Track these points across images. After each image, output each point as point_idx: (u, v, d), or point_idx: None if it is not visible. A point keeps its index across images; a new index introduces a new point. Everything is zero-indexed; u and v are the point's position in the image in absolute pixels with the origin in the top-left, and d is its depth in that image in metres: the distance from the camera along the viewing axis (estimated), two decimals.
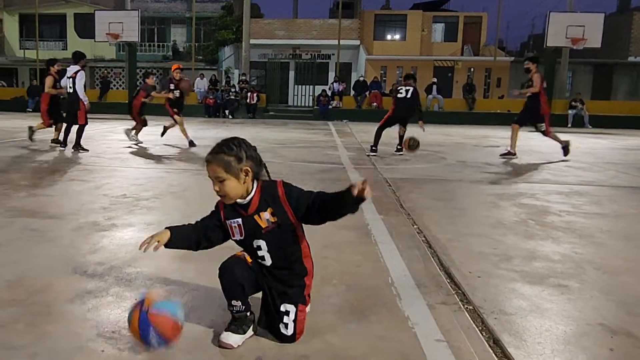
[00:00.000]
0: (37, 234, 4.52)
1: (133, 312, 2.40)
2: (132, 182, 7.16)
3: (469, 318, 3.01)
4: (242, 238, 2.67)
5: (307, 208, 2.56)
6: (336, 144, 13.21)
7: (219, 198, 2.62)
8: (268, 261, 2.66)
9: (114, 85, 34.33)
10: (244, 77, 27.47)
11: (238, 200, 2.60)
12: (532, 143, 13.68)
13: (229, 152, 2.53)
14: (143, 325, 2.35)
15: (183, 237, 2.68)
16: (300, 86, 30.25)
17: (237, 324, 2.64)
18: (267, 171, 2.69)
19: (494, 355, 2.60)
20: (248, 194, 2.60)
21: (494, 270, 3.84)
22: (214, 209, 2.75)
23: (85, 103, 10.61)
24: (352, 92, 27.78)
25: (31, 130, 11.46)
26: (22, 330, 2.75)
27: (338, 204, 2.48)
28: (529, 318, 3.05)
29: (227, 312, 2.69)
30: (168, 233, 2.64)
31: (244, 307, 2.64)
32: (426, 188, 7.19)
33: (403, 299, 3.23)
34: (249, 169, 2.55)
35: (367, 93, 27.09)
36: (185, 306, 2.79)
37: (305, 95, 29.80)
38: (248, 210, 2.62)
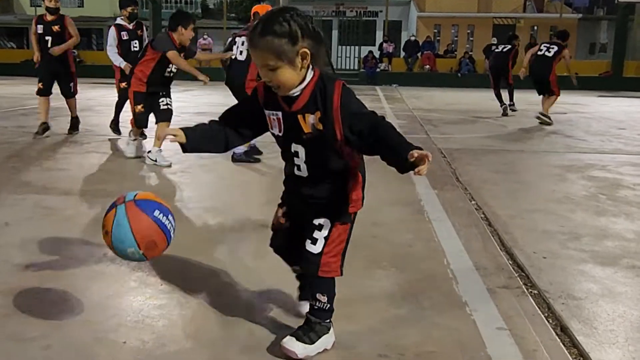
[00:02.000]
0: (50, 211, 4.48)
1: (109, 211, 2.43)
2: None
3: (534, 303, 2.96)
4: (280, 134, 2.37)
5: (360, 134, 2.22)
6: (385, 111, 13.12)
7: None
8: (304, 172, 2.37)
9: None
10: None
11: None
12: (604, 109, 13.37)
13: (279, 30, 2.14)
14: (118, 224, 2.39)
15: (204, 136, 2.40)
16: (344, 47, 29.93)
17: (304, 331, 2.41)
18: (328, 54, 2.34)
19: (561, 344, 2.56)
20: (299, 84, 2.25)
21: (561, 251, 3.77)
22: (252, 92, 2.44)
23: (121, 66, 8.24)
24: (402, 54, 27.49)
25: None
26: (34, 319, 2.68)
27: (390, 155, 2.20)
28: (600, 303, 2.99)
29: (261, 303, 2.67)
30: (183, 138, 2.34)
31: (328, 305, 2.43)
32: (485, 159, 7.10)
33: (460, 283, 3.19)
34: (307, 51, 2.18)
35: (418, 54, 26.78)
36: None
37: (350, 57, 29.50)
38: (292, 106, 2.28)
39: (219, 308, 2.79)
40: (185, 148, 2.37)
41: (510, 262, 3.54)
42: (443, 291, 3.09)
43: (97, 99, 13.95)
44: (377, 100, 16.26)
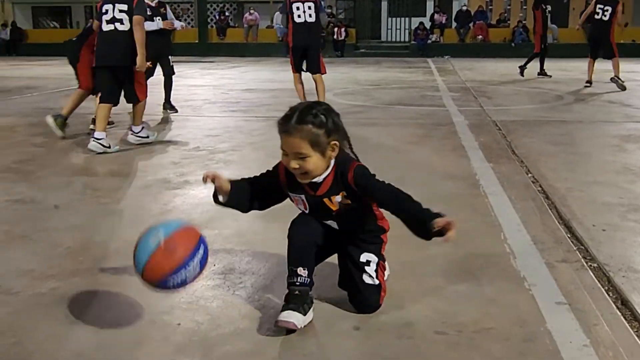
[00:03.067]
0: (99, 193, 4.46)
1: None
2: (207, 132, 7.11)
3: (594, 277, 2.92)
4: (307, 211, 2.53)
5: (381, 203, 2.46)
6: (437, 84, 12.98)
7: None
8: (335, 227, 2.54)
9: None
10: (329, 10, 27.14)
11: None
12: None
13: (317, 121, 2.28)
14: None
15: (240, 193, 2.52)
16: (394, 19, 29.55)
17: (296, 302, 2.39)
18: (349, 144, 2.49)
19: (622, 318, 2.53)
20: (324, 172, 2.39)
21: (621, 223, 3.70)
22: (271, 170, 2.57)
23: None
24: (454, 24, 27.02)
25: None
26: (86, 302, 2.69)
27: (413, 223, 2.37)
28: None
29: (317, 282, 2.63)
30: (228, 184, 2.46)
31: (308, 279, 2.45)
32: (541, 131, 6.97)
33: (518, 258, 3.17)
34: (337, 144, 2.34)
35: (470, 25, 26.30)
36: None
37: (400, 29, 29.12)
38: (317, 191, 2.43)
39: (274, 288, 2.78)
40: (221, 200, 2.50)
41: (569, 236, 3.49)
42: (501, 266, 3.07)
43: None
44: (429, 72, 16.08)
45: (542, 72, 14.05)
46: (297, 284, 2.43)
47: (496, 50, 24.48)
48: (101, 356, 2.23)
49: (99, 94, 6.20)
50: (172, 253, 2.26)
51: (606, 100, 9.77)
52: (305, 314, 2.39)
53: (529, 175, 4.88)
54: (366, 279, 2.50)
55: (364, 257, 2.52)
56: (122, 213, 4.00)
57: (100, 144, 5.78)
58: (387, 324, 2.48)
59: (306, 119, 2.27)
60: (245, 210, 2.59)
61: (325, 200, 2.42)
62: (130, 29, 5.81)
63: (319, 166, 2.33)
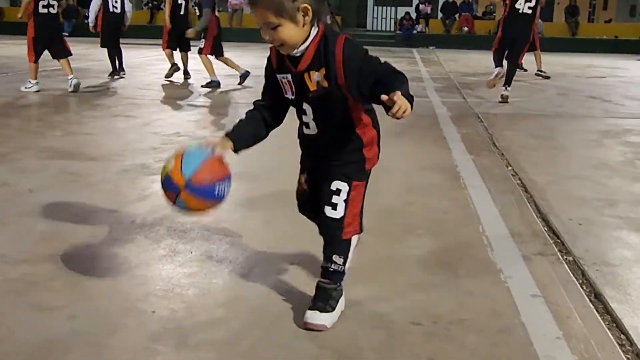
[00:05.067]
0: (75, 178, 4.41)
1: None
2: (187, 118, 7.05)
3: (568, 270, 2.96)
4: (293, 98, 2.35)
5: (368, 88, 2.17)
6: (421, 74, 12.98)
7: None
8: (313, 129, 2.37)
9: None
10: None
11: None
12: None
13: None
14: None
15: (248, 135, 2.41)
16: (380, 7, 29.48)
17: (323, 300, 2.38)
18: (331, 13, 2.33)
19: (594, 311, 2.57)
20: (303, 43, 2.21)
21: (597, 217, 3.75)
22: (267, 62, 2.41)
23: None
24: (440, 15, 27.05)
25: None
26: (59, 288, 2.65)
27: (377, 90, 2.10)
28: (634, 270, 2.99)
29: (296, 272, 2.66)
30: (229, 143, 2.35)
31: (343, 267, 2.41)
32: (522, 124, 7.03)
33: (495, 250, 3.20)
34: (308, 7, 2.13)
35: (456, 16, 26.34)
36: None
37: (386, 19, 29.07)
38: (298, 66, 2.25)
39: (252, 276, 2.79)
40: (236, 151, 2.38)
41: (546, 229, 3.53)
42: (478, 258, 3.10)
43: (124, 60, 13.82)
44: (413, 63, 16.08)
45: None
46: (332, 269, 2.41)
47: (481, 42, 24.44)
48: (74, 343, 2.22)
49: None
50: (221, 163, 2.31)
51: (587, 96, 9.84)
52: (332, 310, 2.40)
53: (509, 168, 4.91)
54: (328, 211, 2.35)
55: (334, 185, 2.35)
56: (99, 198, 3.94)
57: None
58: (362, 313, 2.49)
59: None
60: (264, 137, 2.46)
61: (305, 76, 2.25)
62: None
63: (293, 35, 2.16)
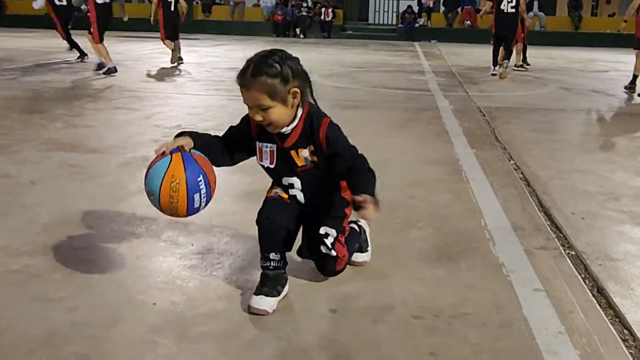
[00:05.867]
0: (77, 170, 4.40)
1: (171, 163, 2.28)
2: (189, 111, 7.03)
3: (571, 265, 2.95)
4: (272, 167, 2.47)
5: (341, 174, 2.40)
6: (423, 67, 12.97)
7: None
8: (301, 199, 2.51)
9: None
10: None
11: None
12: None
13: (271, 72, 2.22)
14: (191, 173, 2.28)
15: (207, 147, 2.44)
16: (382, 1, 29.39)
17: (270, 285, 2.45)
18: (311, 90, 2.40)
19: (597, 305, 2.56)
20: (291, 122, 2.35)
21: (600, 211, 3.74)
22: (242, 121, 2.51)
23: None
24: (442, 9, 26.97)
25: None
26: (60, 280, 2.65)
27: (351, 189, 2.36)
28: (637, 264, 2.97)
29: (297, 265, 2.66)
30: (190, 140, 2.39)
31: (281, 262, 2.49)
32: (525, 118, 7.00)
33: (497, 244, 3.19)
34: (298, 91, 2.28)
35: (459, 9, 26.27)
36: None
37: (388, 12, 28.99)
38: (285, 142, 2.39)
39: (253, 269, 2.77)
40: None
41: (549, 223, 3.52)
42: (480, 252, 3.09)
43: (125, 53, 13.91)
44: (415, 56, 16.06)
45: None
46: (271, 267, 2.47)
47: (484, 36, 24.39)
48: (75, 334, 2.21)
49: None
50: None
51: (590, 90, 9.83)
52: (278, 295, 2.45)
53: (512, 162, 4.90)
54: (324, 249, 2.49)
55: (322, 229, 2.49)
56: (100, 190, 3.94)
57: None
58: (364, 307, 2.48)
59: (261, 71, 2.22)
60: (214, 164, 2.46)
61: (292, 152, 2.39)
62: None
63: (282, 116, 2.29)
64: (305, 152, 2.39)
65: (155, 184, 2.28)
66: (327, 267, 2.59)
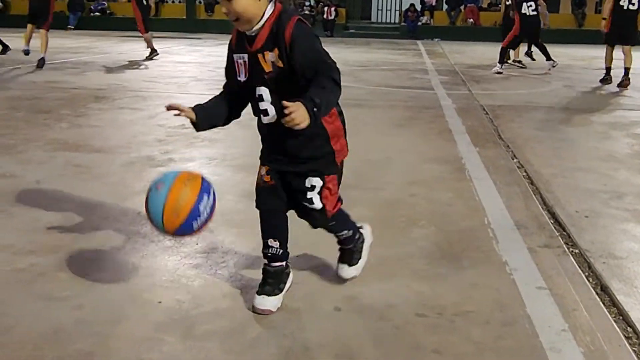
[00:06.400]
0: (82, 170, 4.40)
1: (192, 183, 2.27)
2: None
3: (575, 263, 2.96)
4: (245, 79, 2.30)
5: (307, 79, 2.16)
6: (426, 66, 12.95)
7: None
8: (272, 116, 2.28)
9: None
10: None
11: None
12: None
13: None
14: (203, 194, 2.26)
15: (209, 111, 2.37)
16: None
17: (272, 283, 2.43)
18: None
19: (601, 303, 2.56)
20: (258, 22, 2.18)
21: (604, 210, 3.74)
22: (227, 51, 2.38)
23: None
24: (445, 7, 26.94)
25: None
26: (65, 279, 2.66)
27: None
28: None
29: (301, 263, 2.68)
30: (193, 114, 2.31)
31: (280, 250, 2.44)
32: (528, 116, 6.99)
33: (500, 242, 3.19)
34: None
35: (462, 7, 26.23)
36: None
37: (390, 10, 28.95)
38: (253, 45, 2.22)
39: (257, 267, 2.73)
40: (197, 127, 2.36)
41: (552, 221, 3.52)
42: (483, 250, 3.09)
43: (128, 53, 13.97)
44: (418, 55, 16.04)
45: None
46: (269, 254, 2.45)
47: (486, 34, 24.39)
48: (80, 332, 2.23)
49: None
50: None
51: (594, 87, 9.81)
52: (281, 292, 2.45)
53: (515, 160, 4.90)
54: (307, 204, 2.38)
55: (307, 182, 2.36)
56: (104, 190, 3.96)
57: None
58: (368, 305, 2.49)
59: None
60: (222, 122, 2.43)
61: (259, 56, 2.21)
62: None
63: (247, 7, 2.13)
64: (271, 56, 2.19)
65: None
66: (313, 221, 2.47)
